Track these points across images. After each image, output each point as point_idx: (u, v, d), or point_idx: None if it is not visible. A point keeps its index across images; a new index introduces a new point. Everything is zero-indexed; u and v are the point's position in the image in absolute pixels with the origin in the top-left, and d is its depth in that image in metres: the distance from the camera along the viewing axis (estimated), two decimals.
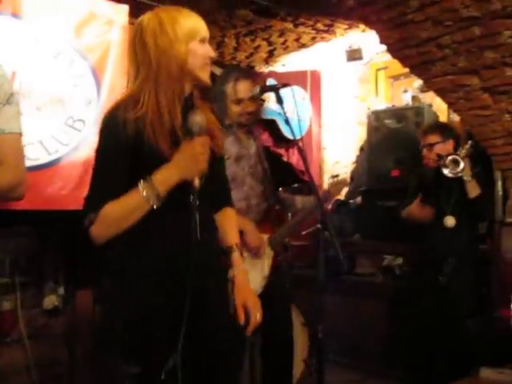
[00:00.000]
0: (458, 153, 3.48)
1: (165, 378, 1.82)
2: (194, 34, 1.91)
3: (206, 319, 1.96)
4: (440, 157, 3.50)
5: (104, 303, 2.00)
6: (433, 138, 3.68)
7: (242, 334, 2.04)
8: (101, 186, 1.88)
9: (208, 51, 1.94)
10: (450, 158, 3.46)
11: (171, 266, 1.88)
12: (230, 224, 2.18)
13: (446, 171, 3.46)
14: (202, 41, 1.93)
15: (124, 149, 1.83)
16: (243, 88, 3.05)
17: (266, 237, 3.24)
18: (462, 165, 3.42)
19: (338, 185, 3.46)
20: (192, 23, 1.92)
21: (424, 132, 3.78)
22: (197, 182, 1.86)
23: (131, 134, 1.82)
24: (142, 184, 1.79)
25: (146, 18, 1.94)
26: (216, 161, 2.04)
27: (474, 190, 3.50)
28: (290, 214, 3.87)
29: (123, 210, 1.82)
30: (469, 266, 3.63)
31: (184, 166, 1.83)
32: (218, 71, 4.08)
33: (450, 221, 3.57)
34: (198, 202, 1.88)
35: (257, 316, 2.01)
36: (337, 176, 3.56)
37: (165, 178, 1.81)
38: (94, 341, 1.93)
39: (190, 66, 1.90)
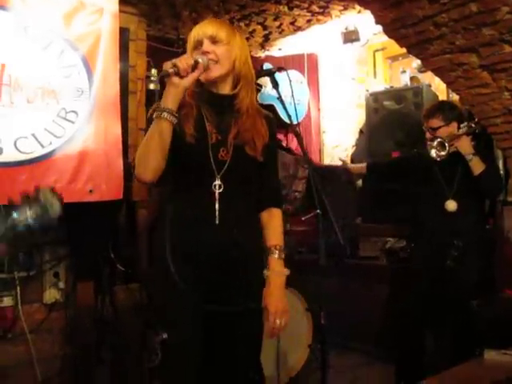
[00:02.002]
0: (456, 133, 3.48)
1: (188, 345, 2.06)
2: (190, 46, 2.17)
3: (228, 300, 2.16)
4: (432, 139, 3.50)
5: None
6: (435, 123, 3.58)
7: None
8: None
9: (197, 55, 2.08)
10: (437, 140, 3.46)
11: (195, 247, 2.09)
12: (274, 224, 2.30)
13: (432, 152, 3.47)
14: (195, 47, 2.14)
15: None
16: None
17: None
18: (446, 150, 3.46)
19: None
20: (191, 35, 2.17)
21: (426, 116, 3.68)
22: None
23: None
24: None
25: None
26: (249, 161, 2.18)
27: (477, 167, 3.45)
28: None
29: (146, 138, 2.04)
30: (475, 248, 3.56)
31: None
32: None
33: (451, 205, 3.53)
34: (220, 184, 2.11)
35: (280, 323, 2.16)
36: None
37: (163, 97, 2.00)
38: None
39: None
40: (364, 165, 4.36)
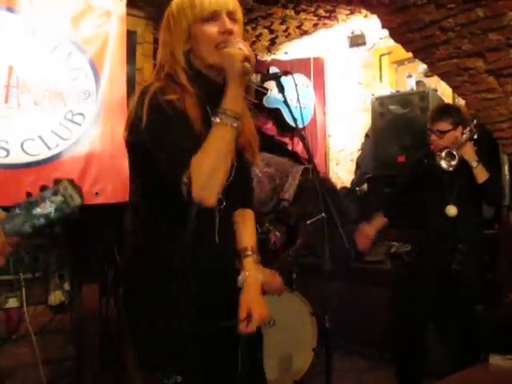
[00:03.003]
0: (460, 140, 3.47)
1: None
2: (195, 16, 1.75)
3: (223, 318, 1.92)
4: (440, 150, 3.48)
5: (130, 312, 1.92)
6: (444, 126, 3.54)
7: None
8: (177, 148, 1.67)
9: (213, 31, 1.74)
10: (445, 151, 3.44)
11: (193, 267, 1.80)
12: (248, 226, 2.08)
13: (443, 163, 3.45)
14: (208, 19, 1.75)
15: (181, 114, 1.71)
16: None
17: None
18: (456, 158, 3.44)
19: None
20: (192, 3, 1.75)
21: (434, 118, 3.61)
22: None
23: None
24: (215, 118, 1.65)
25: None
26: (246, 168, 1.99)
27: (482, 175, 3.43)
28: None
29: (212, 151, 1.62)
30: (478, 252, 3.58)
31: (227, 70, 1.67)
32: None
33: (452, 210, 3.51)
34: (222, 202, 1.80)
35: (259, 316, 1.91)
36: None
37: (226, 97, 1.67)
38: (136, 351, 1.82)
39: (197, 53, 1.78)
40: (382, 218, 4.01)
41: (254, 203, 2.18)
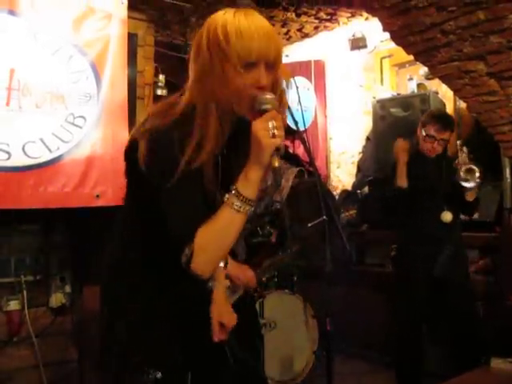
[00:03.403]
0: (458, 161, 3.52)
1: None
2: (241, 58, 1.55)
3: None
4: (460, 166, 3.50)
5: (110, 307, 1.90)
6: (448, 135, 3.65)
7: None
8: (182, 214, 1.61)
9: (246, 82, 1.57)
10: (464, 168, 3.45)
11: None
12: None
13: (467, 184, 3.45)
14: (250, 66, 1.56)
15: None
16: None
17: None
18: (477, 172, 3.45)
19: None
20: (243, 42, 1.54)
21: (440, 127, 3.63)
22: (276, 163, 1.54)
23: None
24: (227, 196, 1.56)
25: (211, 18, 1.66)
26: None
27: (472, 195, 3.54)
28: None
29: (219, 232, 1.57)
30: (464, 253, 3.69)
31: (254, 152, 1.54)
32: None
33: (447, 216, 3.56)
34: None
35: (229, 323, 1.83)
36: None
37: (245, 178, 1.56)
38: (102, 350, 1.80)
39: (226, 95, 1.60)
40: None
41: None
